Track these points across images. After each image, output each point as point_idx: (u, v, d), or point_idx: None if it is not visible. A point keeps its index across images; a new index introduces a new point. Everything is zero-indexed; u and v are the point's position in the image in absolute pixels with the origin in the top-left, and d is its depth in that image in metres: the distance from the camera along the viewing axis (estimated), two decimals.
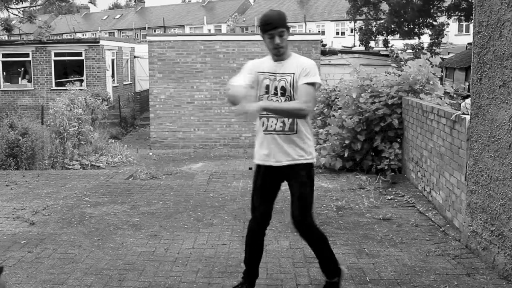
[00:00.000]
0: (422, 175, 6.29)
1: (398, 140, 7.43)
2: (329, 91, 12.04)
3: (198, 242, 4.76)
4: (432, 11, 24.55)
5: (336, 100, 10.60)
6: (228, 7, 57.84)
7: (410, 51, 23.38)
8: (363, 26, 27.79)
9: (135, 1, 67.77)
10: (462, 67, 18.32)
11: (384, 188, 6.73)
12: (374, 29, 26.97)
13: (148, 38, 16.89)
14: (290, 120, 3.33)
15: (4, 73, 21.29)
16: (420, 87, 7.40)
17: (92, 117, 13.90)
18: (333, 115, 8.56)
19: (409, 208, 5.84)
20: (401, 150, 7.34)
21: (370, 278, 3.92)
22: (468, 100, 4.83)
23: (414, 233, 4.97)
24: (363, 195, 6.33)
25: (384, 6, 26.09)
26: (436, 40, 25.31)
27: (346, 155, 7.76)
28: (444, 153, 5.35)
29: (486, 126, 4.13)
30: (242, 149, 15.55)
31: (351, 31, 42.47)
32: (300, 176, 3.38)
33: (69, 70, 21.27)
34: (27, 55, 20.69)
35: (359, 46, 30.19)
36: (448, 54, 23.85)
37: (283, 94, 3.34)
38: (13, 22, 23.34)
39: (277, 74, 3.35)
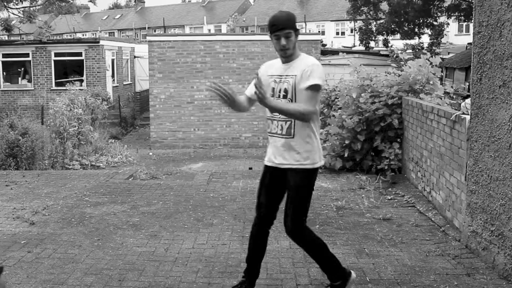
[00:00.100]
0: (422, 175, 6.29)
1: (398, 140, 7.43)
2: (329, 91, 12.05)
3: (198, 242, 4.76)
4: (432, 11, 24.54)
5: (336, 100, 10.61)
6: (228, 7, 57.86)
7: (410, 51, 23.38)
8: (363, 26, 27.78)
9: (135, 1, 67.81)
10: (462, 67, 18.33)
11: (384, 188, 6.73)
12: (374, 29, 26.97)
13: (148, 38, 16.89)
14: (288, 124, 3.33)
15: (4, 73, 21.29)
16: (420, 87, 7.40)
17: (92, 117, 13.89)
18: (333, 115, 8.56)
19: (409, 208, 5.84)
20: (401, 150, 7.34)
21: (370, 278, 3.92)
22: (468, 100, 4.83)
23: (414, 233, 4.97)
24: (363, 195, 6.33)
25: (384, 6, 26.08)
26: (436, 40, 25.32)
27: (346, 155, 7.76)
28: (444, 153, 5.35)
29: (486, 126, 4.13)
30: (242, 149, 15.56)
31: (351, 31, 42.47)
32: (294, 182, 3.37)
33: (69, 70, 21.27)
34: (27, 55, 20.69)
35: (359, 46, 30.19)
36: (448, 54, 23.86)
37: (285, 96, 3.34)
38: (13, 22, 23.36)
39: (282, 76, 3.37)
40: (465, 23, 33.42)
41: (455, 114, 5.01)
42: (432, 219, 5.36)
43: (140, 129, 20.10)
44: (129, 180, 7.53)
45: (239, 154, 14.54)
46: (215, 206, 5.99)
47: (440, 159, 5.53)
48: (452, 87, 9.80)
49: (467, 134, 4.54)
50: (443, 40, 27.04)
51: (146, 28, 55.74)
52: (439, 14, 25.21)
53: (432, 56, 7.72)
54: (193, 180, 7.56)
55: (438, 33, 25.26)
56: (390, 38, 26.77)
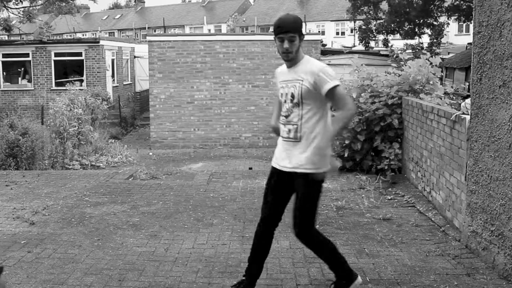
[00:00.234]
0: (422, 175, 6.29)
1: (398, 140, 7.43)
2: None
3: (198, 242, 4.76)
4: (432, 11, 24.54)
5: None
6: (228, 7, 57.87)
7: (410, 51, 23.37)
8: (363, 25, 27.77)
9: (135, 1, 67.81)
10: (462, 67, 18.33)
11: (384, 188, 6.73)
12: (374, 28, 26.96)
13: (148, 38, 16.89)
14: (294, 127, 3.36)
15: (4, 73, 21.29)
16: (420, 87, 7.41)
17: (92, 117, 13.89)
18: (333, 115, 8.55)
19: (409, 208, 5.84)
20: (401, 150, 7.35)
21: (370, 278, 3.92)
22: (468, 100, 4.83)
23: (414, 233, 4.97)
24: (363, 195, 6.33)
25: (384, 6, 26.08)
26: (436, 40, 25.31)
27: (346, 155, 7.76)
28: (444, 153, 5.35)
29: (486, 126, 4.13)
30: (242, 149, 15.56)
31: (351, 31, 42.45)
32: (299, 186, 3.37)
33: (69, 70, 21.27)
34: (27, 55, 20.69)
35: (359, 45, 30.19)
36: (448, 54, 23.86)
37: (291, 101, 3.37)
38: (13, 22, 23.34)
39: (289, 81, 3.40)
40: (465, 23, 33.39)
41: (455, 114, 5.01)
42: (432, 219, 5.36)
43: (140, 129, 20.11)
44: (129, 180, 7.53)
45: (239, 154, 14.54)
46: (215, 206, 5.99)
47: (440, 159, 5.53)
48: (452, 87, 9.79)
49: (467, 134, 4.54)
50: (443, 40, 27.03)
51: (146, 28, 55.75)
52: (439, 14, 25.21)
53: (432, 56, 7.72)
54: (193, 180, 7.56)
55: (438, 33, 25.25)
56: (390, 38, 26.77)
